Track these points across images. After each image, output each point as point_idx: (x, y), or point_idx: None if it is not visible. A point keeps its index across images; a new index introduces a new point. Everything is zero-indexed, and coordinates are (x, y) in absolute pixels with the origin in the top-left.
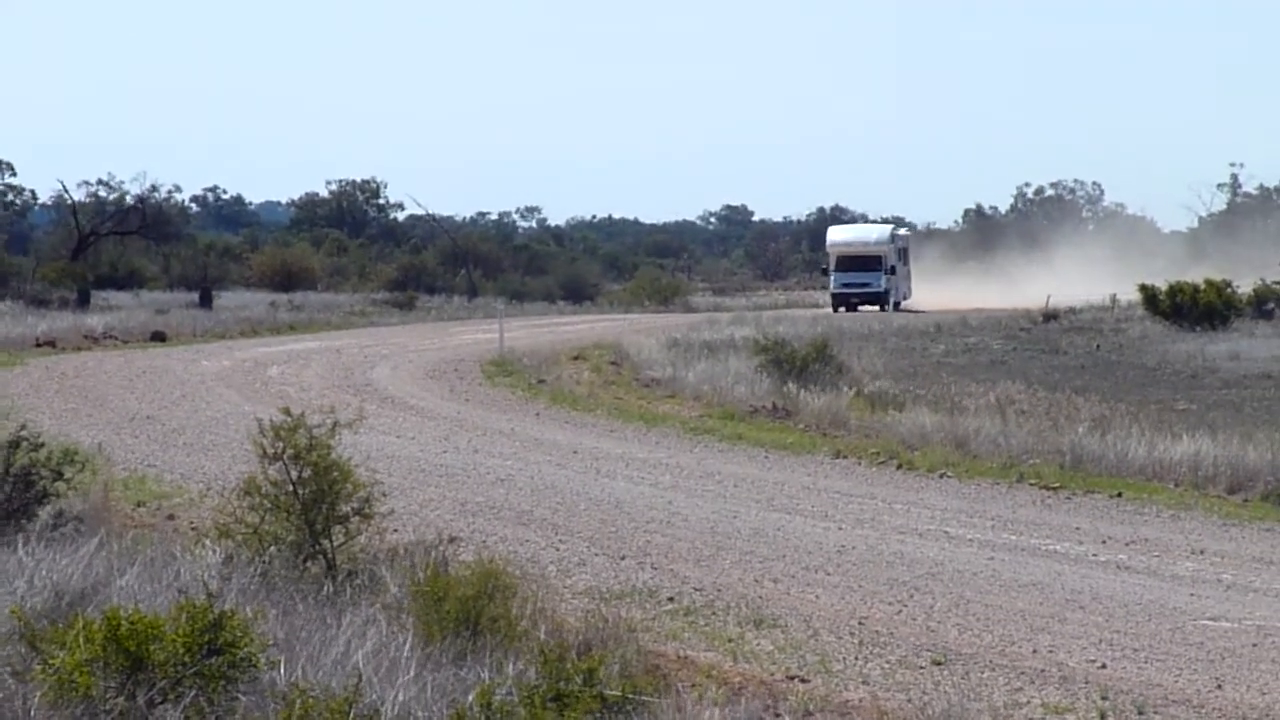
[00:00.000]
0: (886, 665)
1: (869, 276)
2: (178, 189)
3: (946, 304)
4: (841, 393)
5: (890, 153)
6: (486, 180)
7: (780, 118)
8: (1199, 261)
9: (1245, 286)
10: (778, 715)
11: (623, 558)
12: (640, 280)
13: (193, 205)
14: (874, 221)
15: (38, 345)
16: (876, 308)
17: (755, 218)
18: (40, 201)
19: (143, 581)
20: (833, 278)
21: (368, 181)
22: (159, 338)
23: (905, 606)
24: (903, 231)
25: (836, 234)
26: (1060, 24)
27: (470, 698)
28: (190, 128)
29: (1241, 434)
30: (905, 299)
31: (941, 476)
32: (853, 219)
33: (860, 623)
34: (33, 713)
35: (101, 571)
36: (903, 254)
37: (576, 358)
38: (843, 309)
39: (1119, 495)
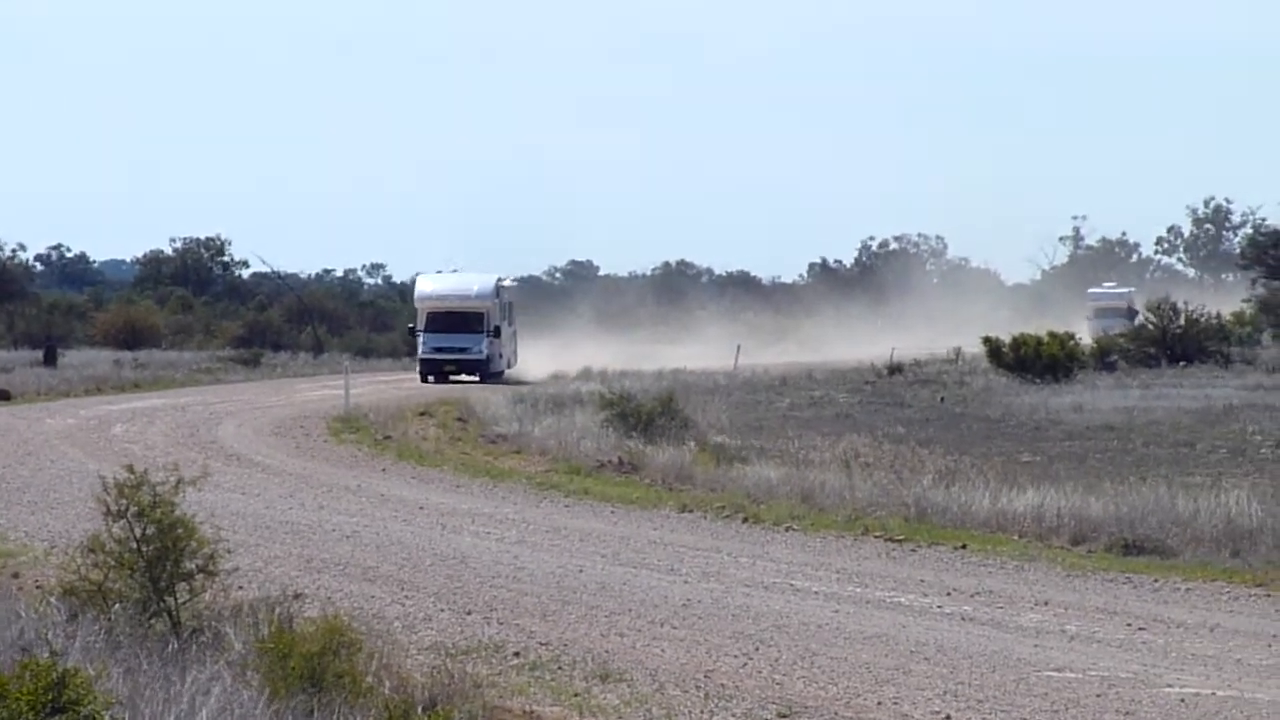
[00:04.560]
0: (733, 718)
1: (468, 339)
2: (21, 247)
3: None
4: (687, 447)
5: (736, 206)
6: (331, 237)
7: (625, 171)
8: (1042, 314)
9: (1087, 338)
10: None
11: (469, 613)
12: None
13: (36, 264)
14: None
15: None
16: (476, 378)
17: (601, 272)
18: None
19: None
20: (421, 339)
21: (212, 239)
22: (3, 396)
23: (751, 659)
24: (509, 282)
25: (427, 284)
26: (902, 78)
27: None
28: (33, 185)
29: (1085, 485)
30: (510, 366)
31: (787, 530)
32: (698, 273)
33: (706, 676)
34: None
35: None
36: (508, 310)
37: (423, 414)
38: (432, 379)
39: (964, 547)
